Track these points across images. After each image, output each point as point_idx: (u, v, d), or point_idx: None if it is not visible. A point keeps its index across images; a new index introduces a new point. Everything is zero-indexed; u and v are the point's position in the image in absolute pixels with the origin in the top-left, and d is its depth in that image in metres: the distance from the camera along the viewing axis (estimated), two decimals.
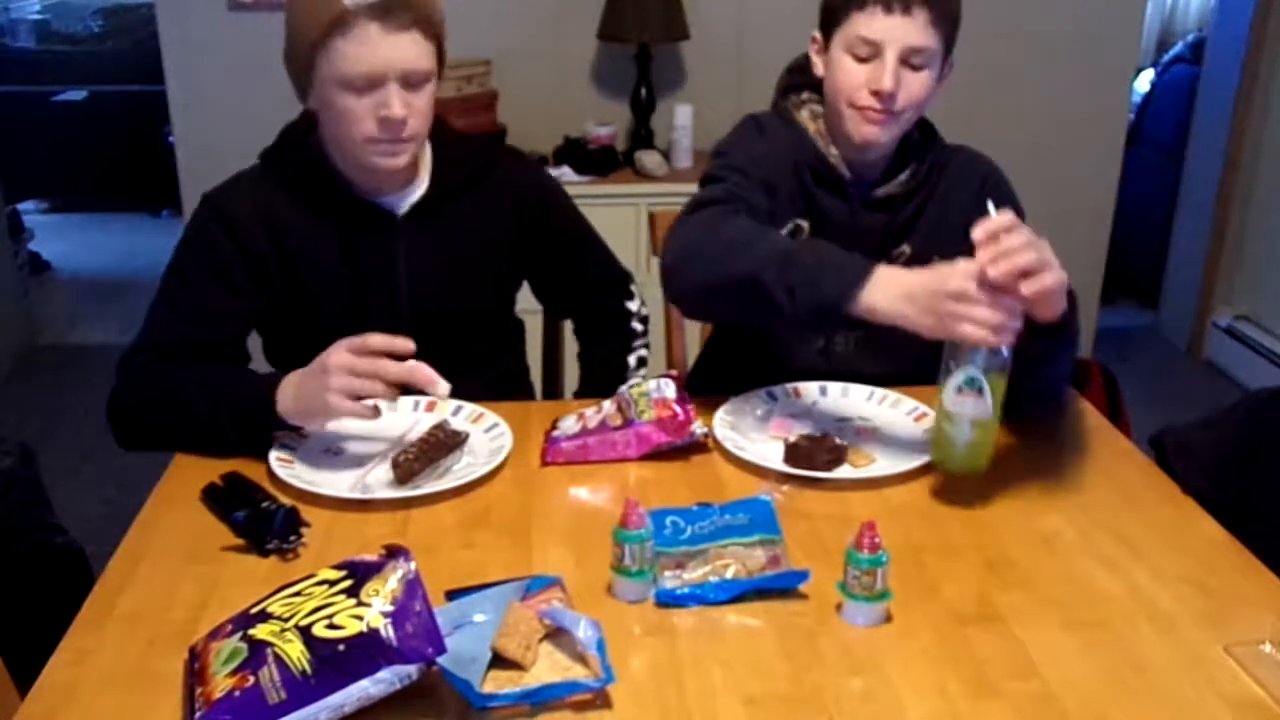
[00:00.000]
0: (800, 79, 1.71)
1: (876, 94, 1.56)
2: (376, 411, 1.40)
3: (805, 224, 1.68)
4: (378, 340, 1.37)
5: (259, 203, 1.62)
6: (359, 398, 1.38)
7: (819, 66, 1.65)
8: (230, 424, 1.47)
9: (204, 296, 1.60)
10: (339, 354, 1.37)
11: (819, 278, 1.39)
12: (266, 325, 1.71)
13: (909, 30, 1.54)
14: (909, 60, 1.56)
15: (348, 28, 1.45)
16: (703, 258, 1.49)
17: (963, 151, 1.75)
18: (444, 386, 1.38)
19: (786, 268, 1.41)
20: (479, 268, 1.72)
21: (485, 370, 1.77)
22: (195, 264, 1.62)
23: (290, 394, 1.43)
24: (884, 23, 1.54)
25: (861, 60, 1.57)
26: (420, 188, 1.65)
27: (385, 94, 1.49)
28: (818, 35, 1.65)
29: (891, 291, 1.36)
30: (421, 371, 1.37)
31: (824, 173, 1.67)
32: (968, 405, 1.32)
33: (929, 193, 1.70)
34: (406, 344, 1.37)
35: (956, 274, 1.30)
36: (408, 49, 1.48)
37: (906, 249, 1.69)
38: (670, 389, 1.50)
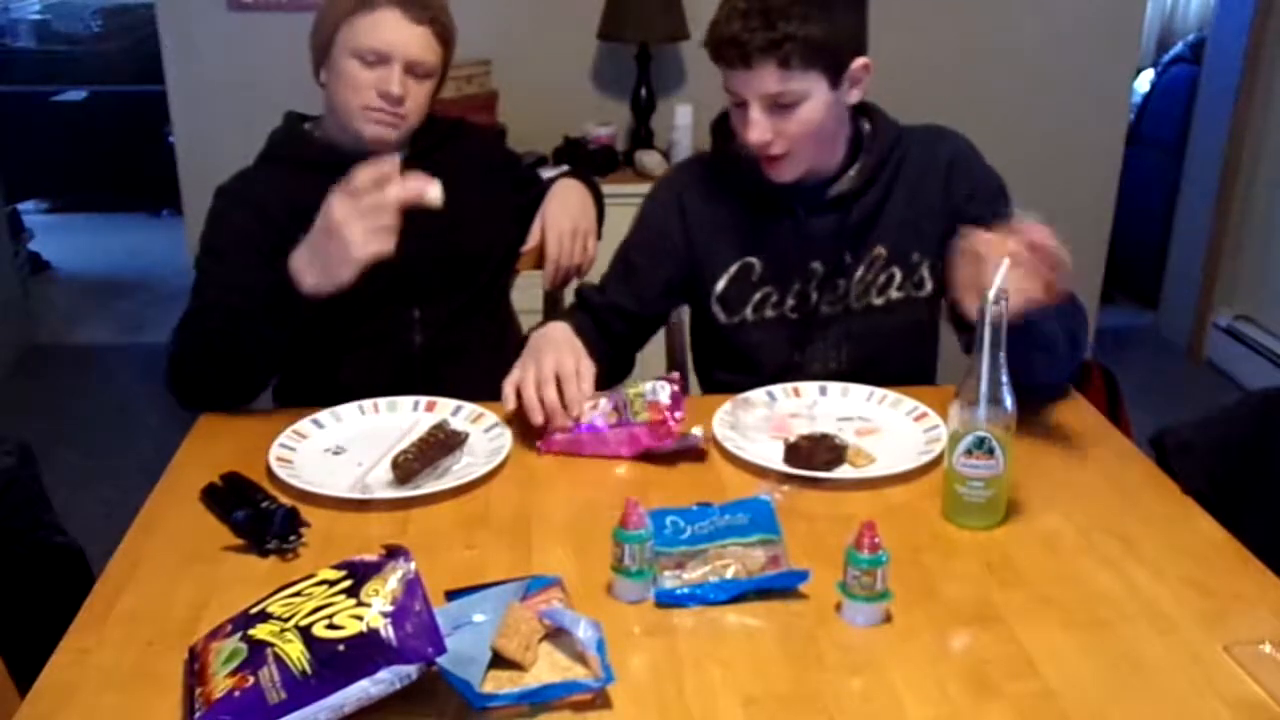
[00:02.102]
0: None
1: (750, 143, 1.55)
2: (394, 238, 1.48)
3: (754, 259, 1.68)
4: (365, 177, 1.45)
5: (273, 185, 1.74)
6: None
7: None
8: (265, 323, 1.55)
9: (238, 268, 1.68)
10: (340, 208, 1.45)
11: None
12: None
13: (759, 82, 1.50)
14: (777, 102, 1.52)
15: (371, 8, 1.65)
16: None
17: (923, 133, 1.70)
18: (436, 189, 1.47)
19: None
20: (474, 207, 1.83)
21: (479, 312, 1.87)
22: (226, 243, 1.71)
23: (309, 271, 1.50)
24: (736, 78, 1.52)
25: (737, 106, 1.56)
26: (406, 150, 1.80)
27: (389, 72, 1.66)
28: None
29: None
30: (416, 182, 1.47)
31: (762, 194, 1.66)
32: (980, 468, 1.29)
33: (889, 185, 1.66)
34: (389, 165, 1.46)
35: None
36: (418, 39, 1.67)
37: (882, 250, 1.67)
38: (665, 393, 1.50)
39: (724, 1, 1.52)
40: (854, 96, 1.60)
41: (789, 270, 1.68)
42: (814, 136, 1.56)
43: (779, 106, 1.52)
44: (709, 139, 1.75)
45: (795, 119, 1.53)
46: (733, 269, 1.69)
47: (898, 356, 1.70)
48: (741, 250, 1.69)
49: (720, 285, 1.70)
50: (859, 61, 1.56)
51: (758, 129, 1.53)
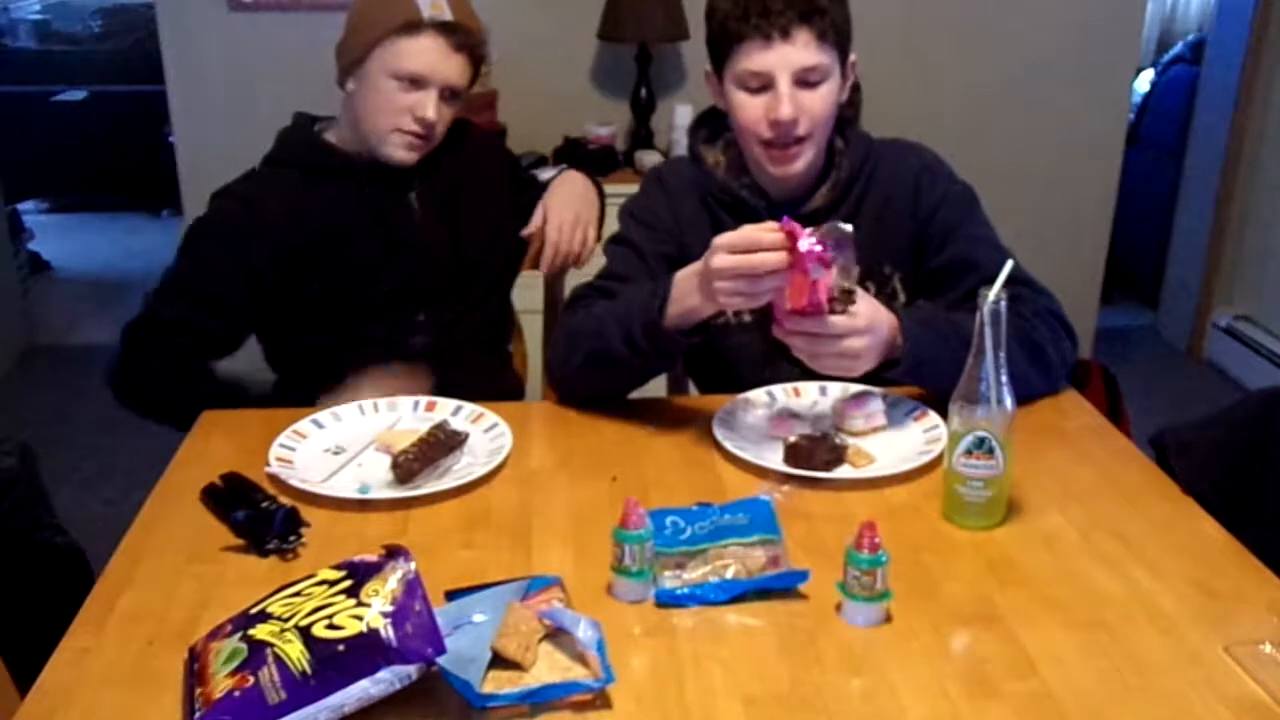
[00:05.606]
0: (710, 124, 1.70)
1: (776, 123, 1.52)
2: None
3: None
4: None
5: (283, 197, 1.73)
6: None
7: (721, 103, 1.63)
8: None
9: (219, 284, 1.70)
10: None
11: (630, 314, 1.46)
12: (288, 310, 1.76)
13: (795, 54, 1.50)
14: (805, 79, 1.52)
15: (416, 33, 1.66)
16: (566, 366, 1.58)
17: (891, 146, 1.70)
18: None
19: (613, 325, 1.49)
20: (479, 212, 1.86)
21: (481, 315, 1.89)
22: (216, 253, 1.71)
23: None
24: (767, 53, 1.50)
25: (755, 92, 1.54)
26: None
27: (426, 97, 1.69)
28: (710, 71, 1.62)
29: (685, 290, 1.42)
30: None
31: (735, 205, 1.65)
32: (980, 467, 1.29)
33: (859, 201, 1.65)
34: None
35: (714, 251, 1.35)
36: (456, 67, 1.70)
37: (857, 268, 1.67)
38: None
39: None
40: (844, 92, 1.61)
41: None
42: (827, 123, 1.58)
43: (805, 84, 1.52)
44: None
45: (819, 97, 1.54)
46: None
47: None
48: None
49: None
50: (852, 55, 1.60)
51: (788, 104, 1.51)
